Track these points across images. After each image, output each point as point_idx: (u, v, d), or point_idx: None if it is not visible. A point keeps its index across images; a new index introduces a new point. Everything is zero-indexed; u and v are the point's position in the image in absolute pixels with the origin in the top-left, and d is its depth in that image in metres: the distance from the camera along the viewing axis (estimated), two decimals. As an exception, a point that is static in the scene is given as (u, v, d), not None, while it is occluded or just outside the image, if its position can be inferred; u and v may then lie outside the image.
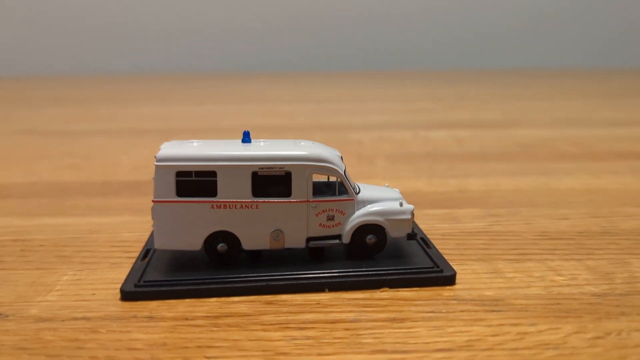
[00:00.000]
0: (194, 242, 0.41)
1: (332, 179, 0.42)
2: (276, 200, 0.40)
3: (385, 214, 0.42)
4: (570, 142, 0.90)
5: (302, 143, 0.42)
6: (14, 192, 0.65)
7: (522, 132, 0.99)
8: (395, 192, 0.44)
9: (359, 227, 0.41)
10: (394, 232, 0.42)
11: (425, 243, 0.45)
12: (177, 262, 0.42)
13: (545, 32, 2.32)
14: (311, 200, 0.41)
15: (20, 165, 0.78)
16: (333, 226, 0.41)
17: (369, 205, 0.42)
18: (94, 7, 2.22)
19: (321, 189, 0.42)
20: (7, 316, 0.36)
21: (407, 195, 0.61)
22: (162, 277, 0.39)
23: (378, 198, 0.42)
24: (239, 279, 0.39)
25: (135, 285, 0.38)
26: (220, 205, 0.40)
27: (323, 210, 0.41)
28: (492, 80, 1.87)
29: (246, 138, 0.43)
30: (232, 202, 0.40)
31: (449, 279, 0.40)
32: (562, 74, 2.08)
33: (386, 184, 0.47)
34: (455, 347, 0.32)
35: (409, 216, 0.42)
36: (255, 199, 0.40)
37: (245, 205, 0.40)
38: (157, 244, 0.41)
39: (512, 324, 0.35)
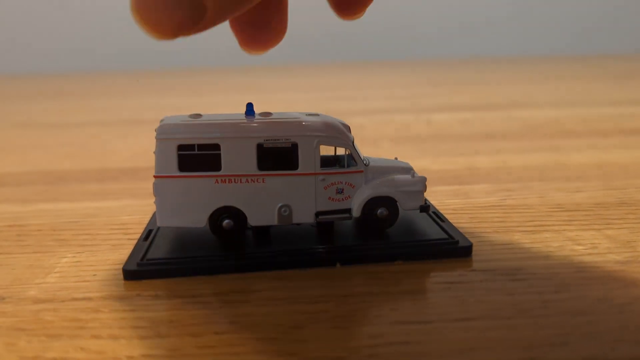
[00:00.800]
0: (198, 218, 0.39)
1: (341, 151, 0.41)
2: (283, 173, 0.38)
3: (396, 185, 0.40)
4: (575, 120, 0.88)
5: (308, 115, 0.41)
6: (8, 180, 0.63)
7: (527, 112, 0.98)
8: (405, 164, 0.42)
9: (370, 199, 0.39)
10: (406, 204, 0.40)
11: (437, 217, 0.43)
12: (182, 240, 0.40)
13: (543, 19, 2.30)
14: (319, 172, 0.39)
15: (15, 155, 0.76)
16: (343, 199, 0.39)
17: (379, 178, 0.40)
18: (90, 5, 2.20)
19: (329, 162, 0.40)
20: (3, 299, 0.34)
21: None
22: (166, 255, 0.37)
23: (388, 170, 0.41)
24: (247, 255, 0.37)
25: (138, 264, 0.36)
26: (224, 180, 0.38)
27: (332, 183, 0.39)
28: (492, 67, 1.86)
29: (250, 110, 0.41)
30: (237, 176, 0.38)
31: (466, 250, 0.38)
32: (560, 59, 2.06)
33: (395, 157, 0.45)
34: (477, 317, 0.30)
35: (421, 187, 0.40)
36: (261, 173, 0.38)
37: (251, 180, 0.38)
38: (160, 222, 0.39)
39: (535, 292, 0.33)
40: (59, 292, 0.35)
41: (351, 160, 0.39)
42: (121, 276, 0.37)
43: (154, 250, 0.38)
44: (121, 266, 0.38)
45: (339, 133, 0.39)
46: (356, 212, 0.39)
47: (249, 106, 0.40)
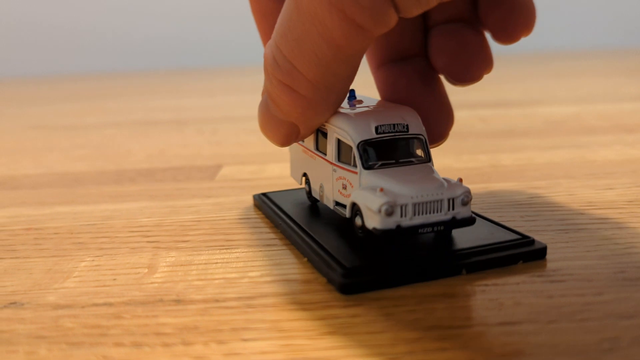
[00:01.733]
0: (298, 178, 0.46)
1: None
2: (321, 156, 0.41)
3: (364, 198, 0.35)
4: (598, 116, 0.86)
5: (370, 104, 0.41)
6: (24, 182, 0.62)
7: (547, 109, 0.96)
8: (428, 185, 0.35)
9: (352, 204, 0.37)
10: (366, 221, 0.35)
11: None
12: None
13: (560, 13, 2.28)
14: (334, 163, 0.39)
15: (30, 157, 0.75)
16: (346, 196, 0.38)
17: (369, 185, 0.36)
18: (102, 9, 2.19)
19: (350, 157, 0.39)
20: (22, 304, 0.33)
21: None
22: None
23: (385, 181, 0.35)
24: None
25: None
26: (305, 151, 0.44)
27: (339, 177, 0.39)
28: (508, 62, 1.83)
29: (351, 96, 0.42)
30: (307, 150, 0.43)
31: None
32: (578, 54, 2.03)
33: (459, 178, 0.37)
34: (517, 321, 0.29)
35: (376, 210, 0.33)
36: (315, 152, 0.42)
37: (312, 156, 0.43)
38: (291, 174, 0.48)
39: (575, 295, 0.31)
40: (79, 297, 0.34)
41: (354, 159, 0.38)
42: (142, 280, 0.36)
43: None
44: (141, 270, 0.37)
45: (347, 131, 0.37)
46: (347, 213, 0.37)
47: (351, 92, 0.42)
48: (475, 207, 0.47)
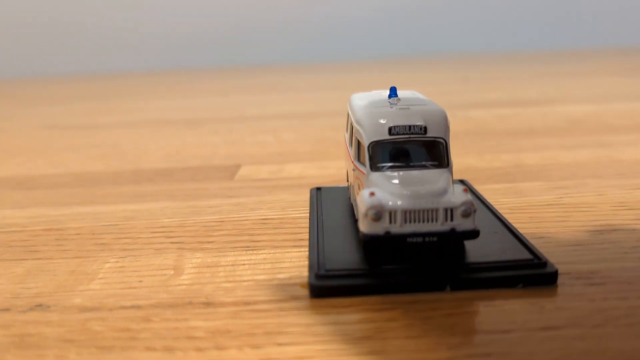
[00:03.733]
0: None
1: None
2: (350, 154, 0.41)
3: (360, 201, 0.34)
4: (619, 115, 0.85)
5: (404, 103, 0.39)
6: (41, 183, 0.62)
7: (566, 108, 0.94)
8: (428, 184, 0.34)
9: (356, 206, 0.36)
10: (359, 225, 0.34)
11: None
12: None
13: (572, 11, 2.26)
14: (353, 162, 0.38)
15: (45, 157, 0.75)
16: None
17: (369, 188, 0.35)
18: (115, 7, 2.19)
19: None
20: (48, 307, 0.33)
21: (460, 172, 0.57)
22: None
23: (384, 185, 0.34)
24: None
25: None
26: (347, 148, 0.43)
27: (357, 177, 0.38)
28: (522, 62, 1.82)
29: (391, 93, 0.41)
30: (347, 146, 0.43)
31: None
32: (593, 53, 2.02)
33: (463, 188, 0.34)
34: (561, 325, 0.28)
35: (363, 214, 0.33)
36: (349, 149, 0.42)
37: (349, 153, 0.42)
38: None
39: (618, 298, 0.30)
40: (106, 299, 0.33)
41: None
42: (169, 282, 0.35)
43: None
44: (167, 272, 0.36)
45: (363, 128, 0.36)
46: (356, 215, 0.36)
47: (392, 89, 0.41)
48: (503, 206, 0.46)
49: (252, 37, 2.24)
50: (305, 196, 0.51)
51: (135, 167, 0.67)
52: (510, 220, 0.41)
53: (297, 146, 0.74)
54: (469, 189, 0.48)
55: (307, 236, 0.41)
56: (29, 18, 2.18)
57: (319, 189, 0.50)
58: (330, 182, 0.55)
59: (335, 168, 0.61)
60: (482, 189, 0.51)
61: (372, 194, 0.33)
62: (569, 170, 0.56)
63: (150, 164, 0.68)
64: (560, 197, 0.48)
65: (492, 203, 0.46)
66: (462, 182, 0.50)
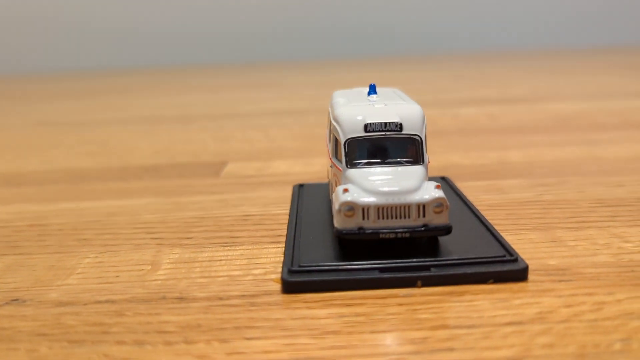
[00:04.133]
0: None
1: None
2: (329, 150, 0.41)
3: (334, 197, 0.35)
4: (607, 113, 0.85)
5: (383, 100, 0.40)
6: (30, 179, 0.62)
7: (555, 105, 0.95)
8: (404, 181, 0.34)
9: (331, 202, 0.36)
10: (334, 220, 0.34)
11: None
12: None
13: (563, 10, 2.26)
14: (330, 159, 0.39)
15: (36, 154, 0.75)
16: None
17: (344, 184, 0.35)
18: (110, 3, 2.19)
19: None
20: (24, 301, 0.33)
21: (445, 169, 0.57)
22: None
23: (359, 181, 0.35)
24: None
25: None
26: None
27: (334, 174, 0.38)
28: (513, 58, 1.82)
29: (370, 91, 0.42)
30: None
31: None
32: (583, 51, 2.02)
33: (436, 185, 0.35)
34: (526, 320, 0.28)
35: (337, 210, 0.33)
36: (328, 144, 0.42)
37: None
38: None
39: (585, 294, 0.31)
40: (81, 294, 0.34)
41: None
42: (145, 277, 0.35)
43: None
44: (144, 267, 0.37)
45: (340, 124, 0.37)
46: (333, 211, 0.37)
47: (371, 87, 0.42)
48: (483, 203, 0.46)
49: (246, 33, 2.24)
50: (289, 193, 0.51)
51: (123, 164, 0.67)
52: (488, 217, 0.42)
53: (286, 143, 0.75)
54: (450, 186, 0.49)
55: (285, 232, 0.42)
56: (22, 14, 2.18)
57: (301, 185, 0.51)
58: (315, 179, 0.55)
59: (321, 165, 0.61)
60: (464, 185, 0.51)
61: (345, 190, 0.34)
62: (552, 168, 0.56)
63: (139, 161, 0.68)
64: (541, 195, 0.48)
65: (472, 200, 0.46)
66: (443, 179, 0.51)
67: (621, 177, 0.52)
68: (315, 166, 0.61)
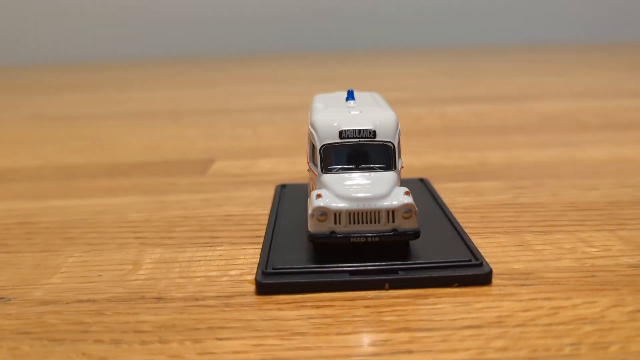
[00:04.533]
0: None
1: None
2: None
3: (309, 201, 0.37)
4: (592, 113, 0.87)
5: (360, 106, 0.41)
6: (21, 175, 0.63)
7: (542, 104, 0.96)
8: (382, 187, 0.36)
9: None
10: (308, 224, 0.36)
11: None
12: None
13: (558, 5, 2.27)
14: (308, 164, 0.40)
15: (28, 149, 0.76)
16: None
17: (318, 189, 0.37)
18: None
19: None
20: (9, 300, 0.34)
21: (425, 170, 0.59)
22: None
23: (333, 186, 0.36)
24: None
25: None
26: None
27: (311, 178, 0.40)
28: (505, 56, 1.83)
29: (348, 96, 0.44)
30: None
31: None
32: (576, 48, 2.03)
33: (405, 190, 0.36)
34: (485, 324, 0.30)
35: (310, 214, 0.35)
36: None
37: None
38: None
39: (544, 299, 0.32)
40: (64, 293, 0.35)
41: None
42: (126, 277, 0.37)
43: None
44: (127, 267, 0.38)
45: (316, 131, 0.38)
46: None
47: (350, 93, 0.44)
48: (458, 206, 0.48)
49: (241, 25, 2.24)
50: (272, 192, 0.53)
51: (113, 161, 0.68)
52: (461, 220, 0.43)
53: (274, 141, 0.76)
54: (428, 188, 0.50)
55: (264, 233, 0.43)
56: (13, 3, 2.18)
57: (284, 186, 0.52)
58: (299, 179, 0.57)
59: (305, 164, 0.62)
60: (442, 187, 0.52)
61: (319, 195, 0.35)
62: (530, 170, 0.58)
63: (128, 158, 0.69)
64: (516, 197, 0.50)
65: (448, 202, 0.48)
66: (422, 180, 0.52)
67: (595, 180, 0.53)
68: (300, 165, 0.62)
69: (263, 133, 0.81)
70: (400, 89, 1.21)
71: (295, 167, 0.62)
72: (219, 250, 0.41)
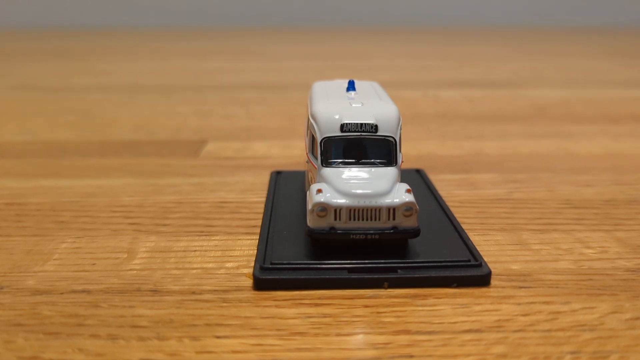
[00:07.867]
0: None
1: None
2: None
3: (308, 195, 0.36)
4: (586, 103, 0.87)
5: (361, 98, 0.41)
6: (9, 151, 0.62)
7: (536, 92, 0.96)
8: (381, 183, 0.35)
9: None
10: (307, 219, 0.35)
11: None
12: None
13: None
14: (307, 155, 0.40)
15: (16, 122, 0.75)
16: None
17: (319, 183, 0.36)
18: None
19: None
20: (2, 288, 0.34)
21: (420, 159, 0.58)
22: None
23: (333, 181, 0.35)
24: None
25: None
26: None
27: (310, 169, 0.39)
28: (501, 37, 1.82)
29: (349, 87, 0.43)
30: None
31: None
32: (573, 30, 2.02)
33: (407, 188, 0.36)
34: (485, 328, 0.30)
35: (310, 209, 0.34)
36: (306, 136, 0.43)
37: None
38: None
39: (543, 302, 0.32)
40: (58, 282, 0.34)
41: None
42: (121, 266, 0.36)
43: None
44: (121, 255, 0.38)
45: (317, 122, 0.38)
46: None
47: (350, 82, 0.43)
48: (454, 199, 0.47)
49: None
50: (267, 178, 0.52)
51: (103, 138, 0.67)
52: (458, 215, 0.43)
53: (267, 121, 0.75)
54: (424, 180, 0.50)
55: (260, 223, 0.42)
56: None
57: (279, 172, 0.52)
58: (293, 164, 0.56)
59: (300, 148, 0.62)
60: (438, 179, 0.52)
61: (319, 190, 0.35)
62: (525, 163, 0.58)
63: (119, 135, 0.68)
64: (511, 192, 0.50)
65: (444, 195, 0.48)
66: (418, 172, 0.52)
67: (590, 176, 0.54)
68: (295, 149, 0.62)
69: (255, 112, 0.80)
70: (393, 70, 1.20)
71: (290, 151, 0.61)
72: (215, 240, 0.40)
